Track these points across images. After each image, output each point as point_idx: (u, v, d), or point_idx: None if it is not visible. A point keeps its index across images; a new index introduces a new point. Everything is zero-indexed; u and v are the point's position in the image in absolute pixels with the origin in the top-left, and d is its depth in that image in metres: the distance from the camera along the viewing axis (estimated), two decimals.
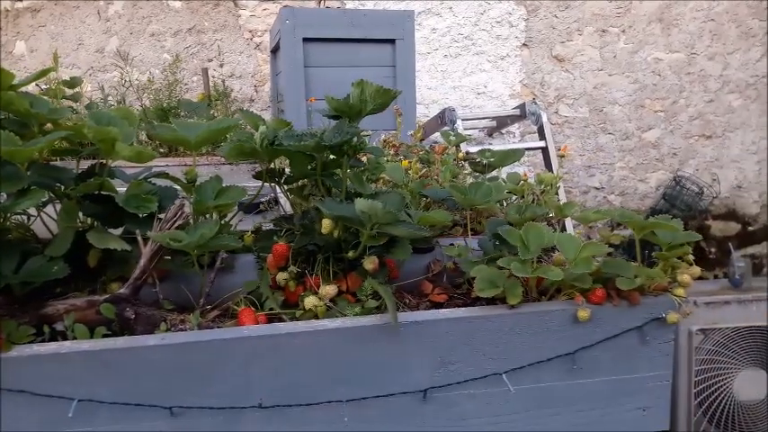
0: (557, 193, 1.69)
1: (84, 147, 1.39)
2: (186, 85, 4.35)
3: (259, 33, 4.61)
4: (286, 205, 1.91)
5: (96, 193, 1.30)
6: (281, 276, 1.33)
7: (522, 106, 3.86)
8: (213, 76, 4.37)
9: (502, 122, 4.08)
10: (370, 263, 1.30)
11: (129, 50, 4.52)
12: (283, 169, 1.49)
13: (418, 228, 1.21)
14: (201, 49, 4.58)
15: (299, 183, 1.46)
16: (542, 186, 1.69)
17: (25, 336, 1.08)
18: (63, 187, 1.28)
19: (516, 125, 4.45)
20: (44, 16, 4.52)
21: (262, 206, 1.73)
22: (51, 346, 1.06)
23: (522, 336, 1.18)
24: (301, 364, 1.11)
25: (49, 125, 1.33)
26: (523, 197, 1.77)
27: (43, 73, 1.40)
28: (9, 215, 1.25)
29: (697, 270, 1.27)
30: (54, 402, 1.04)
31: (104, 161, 1.36)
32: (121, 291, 1.20)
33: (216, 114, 3.59)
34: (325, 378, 1.12)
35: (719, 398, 2.64)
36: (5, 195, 1.21)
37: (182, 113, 3.45)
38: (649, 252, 1.43)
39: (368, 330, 1.13)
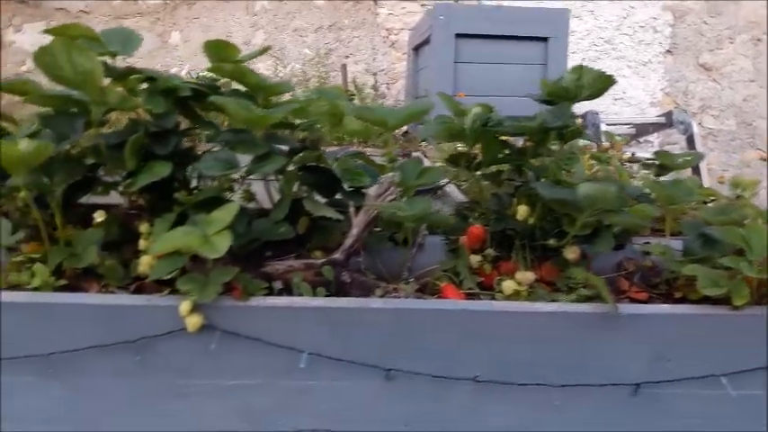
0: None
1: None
2: (324, 79, 4.51)
3: (395, 31, 4.71)
4: (453, 192, 1.93)
5: (311, 165, 1.37)
6: (475, 259, 1.35)
7: (668, 114, 3.69)
8: (352, 72, 4.50)
9: (643, 130, 3.91)
10: (572, 252, 1.29)
11: (272, 44, 4.75)
12: (475, 155, 1.50)
13: (640, 218, 1.18)
14: (340, 45, 4.74)
15: (493, 168, 1.48)
16: (738, 190, 1.60)
17: (259, 289, 1.15)
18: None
19: (655, 134, 4.26)
20: (198, 9, 4.84)
21: (439, 192, 1.76)
22: (284, 300, 1.13)
23: (743, 338, 1.13)
24: (512, 343, 1.12)
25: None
26: (708, 201, 1.70)
27: (263, 50, 1.50)
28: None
29: None
30: (282, 353, 1.10)
31: (314, 137, 1.44)
32: (336, 256, 1.26)
33: None
34: (535, 359, 1.12)
35: None
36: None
37: None
38: None
39: (584, 317, 1.11)
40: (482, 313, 1.11)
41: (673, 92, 4.38)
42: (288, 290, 1.21)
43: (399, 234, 1.42)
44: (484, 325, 1.11)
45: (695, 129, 3.42)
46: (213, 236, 1.07)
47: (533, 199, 1.34)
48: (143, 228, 1.29)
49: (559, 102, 1.25)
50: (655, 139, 4.30)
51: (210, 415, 1.13)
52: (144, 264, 1.23)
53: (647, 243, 1.41)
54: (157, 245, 1.07)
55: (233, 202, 1.11)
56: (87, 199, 1.41)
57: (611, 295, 1.12)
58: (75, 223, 1.36)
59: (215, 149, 1.28)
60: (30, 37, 4.78)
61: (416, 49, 3.66)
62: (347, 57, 4.69)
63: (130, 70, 1.31)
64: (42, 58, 1.10)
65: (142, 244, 1.28)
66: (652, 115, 4.06)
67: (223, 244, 1.04)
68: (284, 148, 1.34)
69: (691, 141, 3.43)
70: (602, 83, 1.22)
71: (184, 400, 1.12)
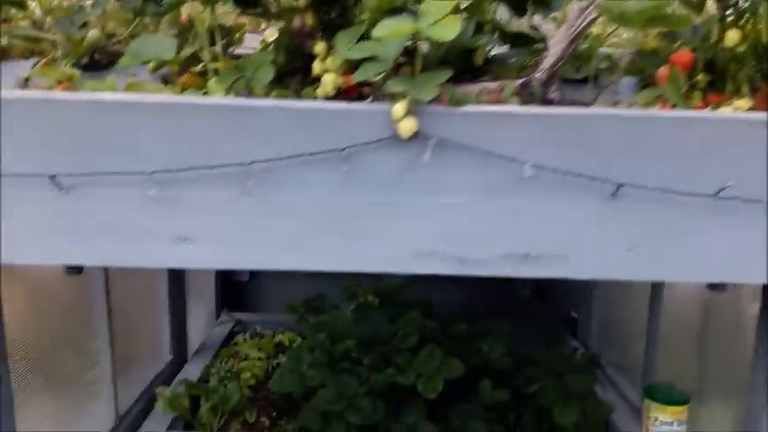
0: None
1: None
2: None
3: None
4: None
5: None
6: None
7: None
8: None
9: None
10: None
11: None
12: None
13: None
14: None
15: None
16: None
17: (467, 100, 1.05)
18: None
19: None
20: None
21: None
22: (506, 108, 1.02)
23: None
24: (758, 157, 1.00)
25: None
26: None
27: None
28: None
29: None
30: (502, 165, 1.00)
31: None
32: (538, 75, 1.14)
33: None
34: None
35: None
36: None
37: None
38: None
39: None
40: (724, 122, 1.00)
41: None
42: None
43: (585, 68, 1.30)
44: (723, 135, 1.00)
45: None
46: (434, 24, 0.95)
47: (747, 21, 1.20)
48: (319, 47, 1.17)
49: None
50: None
51: (416, 235, 1.04)
52: (327, 83, 1.12)
53: None
54: (377, 30, 0.95)
55: None
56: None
57: None
58: None
59: None
60: None
61: None
62: None
63: None
64: None
65: (317, 66, 1.17)
66: None
67: (452, 27, 0.92)
68: None
69: None
70: None
71: (388, 219, 1.03)
